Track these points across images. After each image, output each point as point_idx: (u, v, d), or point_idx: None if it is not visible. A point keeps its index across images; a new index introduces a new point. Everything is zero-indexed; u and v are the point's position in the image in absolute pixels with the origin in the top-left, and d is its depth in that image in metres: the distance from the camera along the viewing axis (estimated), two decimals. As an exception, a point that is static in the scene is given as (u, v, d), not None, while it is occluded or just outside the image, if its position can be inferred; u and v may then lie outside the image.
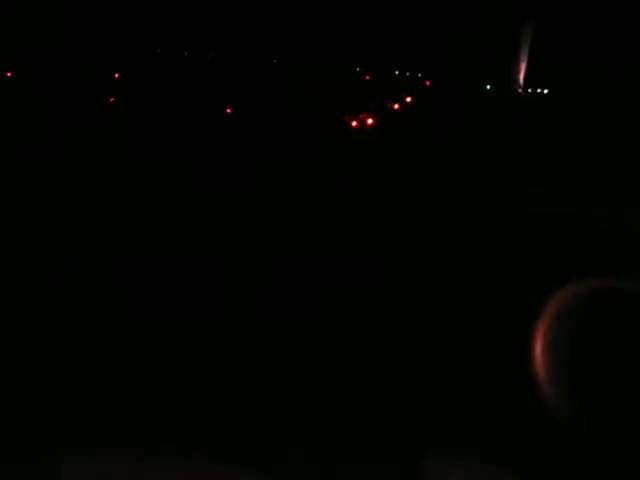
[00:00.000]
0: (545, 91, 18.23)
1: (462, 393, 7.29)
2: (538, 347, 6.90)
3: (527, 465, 6.19)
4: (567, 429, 6.28)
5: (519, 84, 17.47)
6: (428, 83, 19.69)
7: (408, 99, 17.45)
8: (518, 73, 17.26)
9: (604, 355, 6.72)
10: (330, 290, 9.03)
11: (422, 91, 18.27)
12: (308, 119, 15.18)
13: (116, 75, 16.59)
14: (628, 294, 7.31)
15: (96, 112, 15.11)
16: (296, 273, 9.46)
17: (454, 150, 14.20)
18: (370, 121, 15.63)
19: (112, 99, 15.76)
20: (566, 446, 6.20)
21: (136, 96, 15.97)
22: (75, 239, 10.04)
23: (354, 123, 15.47)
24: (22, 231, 10.18)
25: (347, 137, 15.18)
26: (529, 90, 17.65)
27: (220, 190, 11.92)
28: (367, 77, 18.60)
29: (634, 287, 7.34)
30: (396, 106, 17.10)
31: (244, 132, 14.70)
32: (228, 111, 15.45)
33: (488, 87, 18.57)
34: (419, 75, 18.78)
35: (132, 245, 9.98)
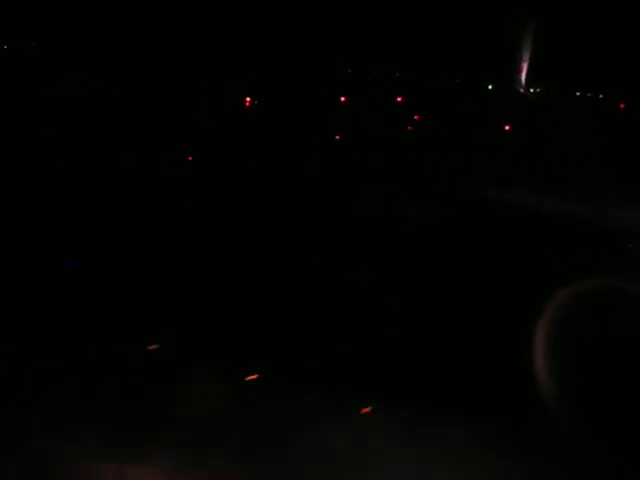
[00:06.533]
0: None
1: (461, 393, 7.32)
2: (538, 347, 6.92)
3: (527, 463, 6.22)
4: (567, 427, 6.31)
5: (521, 84, 17.45)
6: None
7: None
8: (520, 72, 17.23)
9: (604, 354, 6.74)
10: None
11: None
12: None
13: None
14: (628, 294, 7.35)
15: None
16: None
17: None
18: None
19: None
20: (566, 444, 6.23)
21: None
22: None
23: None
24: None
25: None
26: (531, 90, 17.63)
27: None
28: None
29: (634, 287, 7.37)
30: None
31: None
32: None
33: (490, 87, 18.56)
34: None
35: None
